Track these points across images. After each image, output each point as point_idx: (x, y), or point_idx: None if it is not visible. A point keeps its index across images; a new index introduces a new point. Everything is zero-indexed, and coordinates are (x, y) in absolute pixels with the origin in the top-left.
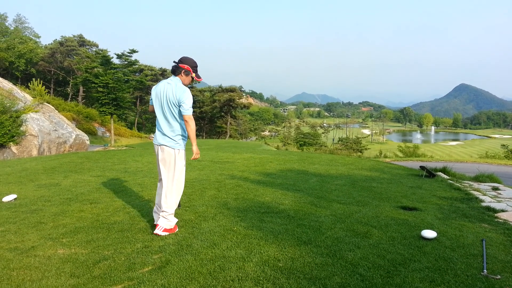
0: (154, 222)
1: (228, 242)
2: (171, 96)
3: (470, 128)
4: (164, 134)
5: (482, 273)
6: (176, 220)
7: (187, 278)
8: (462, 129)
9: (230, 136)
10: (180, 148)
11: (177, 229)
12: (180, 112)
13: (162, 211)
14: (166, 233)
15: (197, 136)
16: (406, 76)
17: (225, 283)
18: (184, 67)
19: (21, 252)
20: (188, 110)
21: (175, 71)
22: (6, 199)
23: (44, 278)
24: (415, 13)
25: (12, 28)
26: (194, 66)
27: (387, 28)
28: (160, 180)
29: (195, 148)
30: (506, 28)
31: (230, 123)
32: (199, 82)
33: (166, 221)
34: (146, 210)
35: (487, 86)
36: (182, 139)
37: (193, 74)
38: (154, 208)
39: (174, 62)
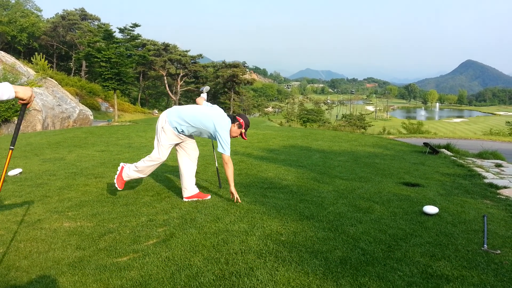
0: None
1: (231, 216)
2: (217, 124)
3: (475, 105)
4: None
5: (482, 248)
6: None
7: (191, 250)
8: (467, 106)
9: (234, 112)
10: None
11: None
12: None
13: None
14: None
15: None
16: (412, 52)
17: (228, 256)
18: (240, 120)
19: (27, 225)
20: (228, 151)
21: (233, 118)
22: (12, 173)
23: (51, 250)
24: None
25: (13, 1)
26: (246, 125)
27: (393, 3)
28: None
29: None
30: None
31: (233, 99)
32: (245, 140)
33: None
34: (150, 185)
35: (494, 62)
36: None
37: (243, 131)
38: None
39: (234, 114)
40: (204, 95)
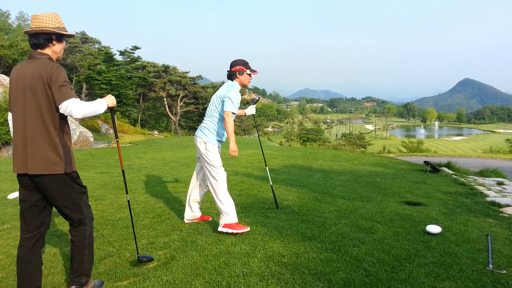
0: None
1: (232, 238)
2: (220, 93)
3: (474, 123)
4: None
5: (487, 268)
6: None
7: (192, 274)
8: (466, 124)
9: (236, 134)
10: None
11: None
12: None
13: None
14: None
15: None
16: (410, 71)
17: (230, 279)
18: (237, 68)
19: None
20: (229, 106)
21: (231, 76)
22: (12, 196)
23: (50, 275)
24: (419, 7)
25: (15, 26)
26: (244, 64)
27: (390, 23)
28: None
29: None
30: (511, 22)
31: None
32: (256, 74)
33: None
34: (151, 207)
35: (491, 80)
36: (213, 133)
37: (247, 71)
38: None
39: (227, 71)
40: (252, 108)
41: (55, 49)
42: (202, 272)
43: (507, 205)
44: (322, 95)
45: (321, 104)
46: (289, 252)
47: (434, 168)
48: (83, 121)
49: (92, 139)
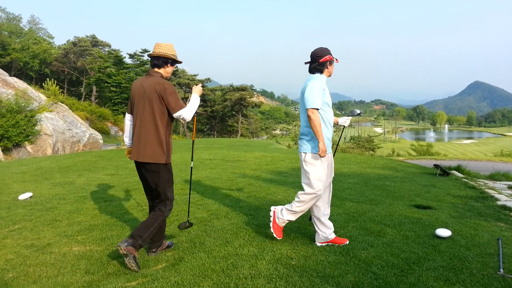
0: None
1: (240, 240)
2: (301, 90)
3: (484, 126)
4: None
5: (498, 273)
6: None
7: (200, 275)
8: (476, 127)
9: (242, 135)
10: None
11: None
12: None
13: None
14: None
15: (208, 135)
16: (419, 74)
17: (238, 281)
18: (327, 58)
19: (37, 249)
20: (310, 102)
21: (316, 69)
22: (22, 197)
23: (60, 275)
24: (429, 8)
25: (26, 29)
26: (327, 52)
27: (400, 25)
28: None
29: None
30: None
31: (241, 122)
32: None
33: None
34: None
35: (502, 83)
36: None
37: (333, 59)
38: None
39: (312, 63)
40: (347, 120)
41: (168, 70)
42: (210, 274)
43: None
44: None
45: None
46: (297, 255)
47: (444, 172)
48: (93, 124)
49: (101, 141)
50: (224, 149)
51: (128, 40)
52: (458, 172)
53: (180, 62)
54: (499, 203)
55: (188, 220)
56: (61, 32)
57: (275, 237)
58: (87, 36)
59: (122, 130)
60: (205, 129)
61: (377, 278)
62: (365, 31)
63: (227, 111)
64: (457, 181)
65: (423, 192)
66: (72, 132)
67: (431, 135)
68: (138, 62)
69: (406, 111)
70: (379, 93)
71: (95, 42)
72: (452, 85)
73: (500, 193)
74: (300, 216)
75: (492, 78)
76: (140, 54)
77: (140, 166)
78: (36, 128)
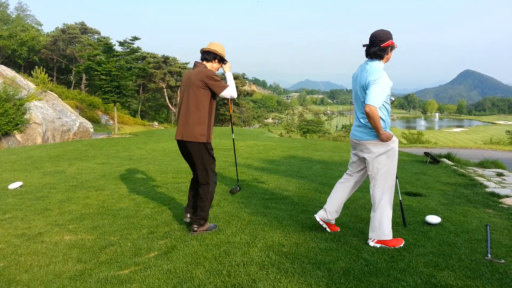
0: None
1: (232, 228)
2: (362, 79)
3: (474, 115)
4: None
5: (486, 258)
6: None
7: (192, 263)
8: (466, 116)
9: (233, 124)
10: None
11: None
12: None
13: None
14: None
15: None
16: (411, 63)
17: (230, 268)
18: (389, 43)
19: (28, 238)
20: (371, 99)
21: (377, 54)
22: (12, 186)
23: (52, 264)
24: None
25: (13, 16)
26: (392, 37)
27: (391, 13)
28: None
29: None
30: None
31: (233, 110)
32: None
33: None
34: (151, 197)
35: (492, 72)
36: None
37: (394, 46)
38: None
39: (372, 46)
40: None
41: (214, 66)
42: (203, 261)
43: (507, 196)
44: (322, 86)
45: (321, 96)
46: (289, 242)
47: (434, 159)
48: (83, 112)
49: (92, 130)
50: (215, 137)
51: (118, 28)
52: (448, 159)
53: (226, 62)
54: (488, 190)
55: (238, 184)
56: (49, 19)
57: (400, 246)
58: (76, 24)
59: (113, 118)
60: None
61: (368, 264)
62: (358, 20)
63: (218, 100)
64: (447, 169)
65: (413, 179)
66: (62, 121)
67: (421, 124)
68: (128, 50)
69: (398, 100)
70: None
71: (84, 29)
72: (443, 73)
73: (489, 180)
74: (291, 205)
75: (482, 67)
76: (130, 41)
77: (183, 145)
78: (25, 117)
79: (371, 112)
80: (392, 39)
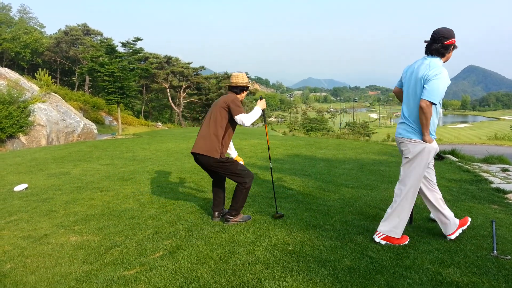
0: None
1: (237, 227)
2: (419, 74)
3: (478, 110)
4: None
5: (492, 254)
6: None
7: (198, 262)
8: (470, 111)
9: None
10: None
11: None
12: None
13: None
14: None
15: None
16: (415, 58)
17: (236, 267)
18: (452, 41)
19: (34, 240)
20: (431, 95)
21: (439, 51)
22: (18, 188)
23: (58, 265)
24: None
25: (16, 19)
26: (455, 36)
27: (393, 10)
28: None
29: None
30: None
31: None
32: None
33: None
34: (156, 197)
35: (497, 67)
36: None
37: (455, 44)
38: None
39: (426, 41)
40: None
41: (242, 95)
42: (208, 261)
43: None
44: (325, 84)
45: (324, 94)
46: (293, 240)
47: (439, 156)
48: (87, 113)
49: (96, 131)
50: None
51: (120, 29)
52: (453, 156)
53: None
54: (493, 185)
55: (277, 211)
56: (52, 21)
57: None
58: (78, 25)
59: (116, 119)
60: (200, 118)
61: (373, 262)
62: (361, 17)
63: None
64: (452, 165)
65: None
66: (66, 123)
67: None
68: (131, 51)
69: None
70: (374, 79)
71: (86, 30)
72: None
73: (494, 176)
74: (295, 203)
75: (486, 62)
76: (133, 42)
77: (196, 158)
78: (29, 119)
79: (426, 108)
80: (455, 37)
